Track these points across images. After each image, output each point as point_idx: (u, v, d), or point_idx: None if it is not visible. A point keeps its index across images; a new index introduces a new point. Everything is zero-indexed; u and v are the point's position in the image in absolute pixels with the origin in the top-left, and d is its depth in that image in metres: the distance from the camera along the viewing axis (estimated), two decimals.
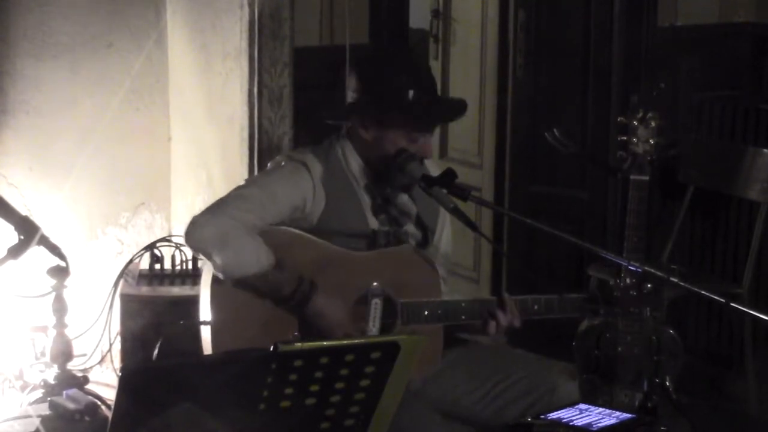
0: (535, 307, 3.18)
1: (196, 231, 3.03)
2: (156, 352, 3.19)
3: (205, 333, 3.07)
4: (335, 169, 3.18)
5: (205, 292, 3.08)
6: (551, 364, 3.25)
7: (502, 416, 3.13)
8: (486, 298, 3.18)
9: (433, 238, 3.29)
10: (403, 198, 3.23)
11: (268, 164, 3.33)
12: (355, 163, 3.19)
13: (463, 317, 3.13)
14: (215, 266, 3.01)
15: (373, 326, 3.07)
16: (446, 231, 3.33)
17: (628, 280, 3.20)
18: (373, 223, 3.19)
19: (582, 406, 2.81)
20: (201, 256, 3.09)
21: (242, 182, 3.24)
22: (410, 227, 3.25)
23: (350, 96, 3.19)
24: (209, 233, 3.01)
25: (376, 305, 3.08)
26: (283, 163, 3.20)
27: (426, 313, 3.11)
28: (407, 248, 3.20)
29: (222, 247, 2.99)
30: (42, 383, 4.04)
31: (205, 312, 3.08)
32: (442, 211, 3.27)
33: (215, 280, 3.05)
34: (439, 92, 3.31)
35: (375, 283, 3.09)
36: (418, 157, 3.15)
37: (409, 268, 3.16)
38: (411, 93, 3.12)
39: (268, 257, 3.02)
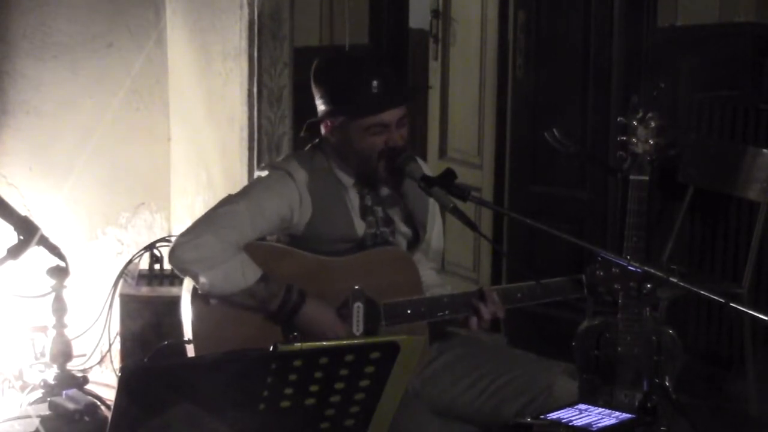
0: (518, 295, 3.18)
1: (179, 253, 2.99)
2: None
3: (191, 351, 3.06)
4: (320, 175, 3.16)
5: (186, 310, 3.07)
6: (550, 363, 3.25)
7: (500, 413, 3.13)
8: (467, 291, 3.17)
9: (425, 234, 3.29)
10: (392, 196, 3.23)
11: (255, 172, 3.31)
12: (337, 166, 3.18)
13: (447, 312, 3.13)
14: (201, 287, 2.99)
15: (357, 330, 3.07)
16: (437, 226, 3.33)
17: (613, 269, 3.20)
18: (361, 225, 3.18)
19: (582, 406, 2.81)
20: (186, 277, 3.06)
21: (232, 192, 3.21)
22: (401, 226, 3.25)
23: (317, 104, 3.19)
24: (194, 256, 2.98)
25: (358, 309, 3.08)
26: (266, 173, 3.17)
27: (409, 311, 3.10)
28: (385, 249, 3.19)
29: (207, 267, 2.97)
30: (42, 383, 4.04)
31: (188, 330, 3.06)
32: (431, 207, 3.27)
33: (195, 297, 3.03)
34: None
35: (356, 287, 3.09)
36: (416, 158, 3.15)
37: (388, 268, 3.15)
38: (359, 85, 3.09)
39: (254, 273, 3.00)
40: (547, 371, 3.19)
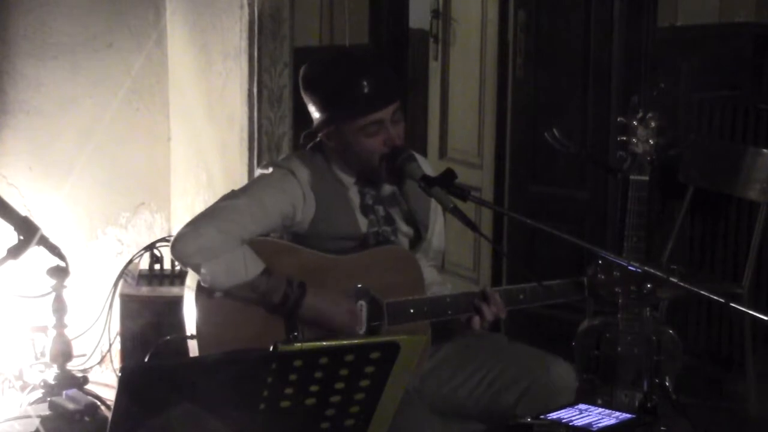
0: (521, 296, 3.18)
1: (181, 245, 2.99)
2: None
3: (193, 347, 3.06)
4: (322, 173, 3.17)
5: (189, 305, 3.07)
6: (545, 353, 3.24)
7: (499, 402, 3.13)
8: (470, 291, 3.17)
9: (426, 234, 3.29)
10: (393, 196, 3.23)
11: (257, 171, 3.32)
12: (337, 166, 3.18)
13: (449, 312, 3.13)
14: (203, 278, 2.99)
15: (360, 329, 3.07)
16: (438, 225, 3.33)
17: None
18: (363, 223, 3.18)
19: (582, 406, 2.81)
20: (188, 269, 3.06)
21: (234, 188, 3.21)
22: (402, 225, 3.25)
23: (310, 110, 3.20)
24: (195, 247, 2.97)
25: (361, 307, 3.08)
26: (270, 170, 3.17)
27: (412, 311, 3.10)
28: (388, 248, 3.19)
29: (209, 259, 2.96)
30: (42, 383, 4.04)
31: (191, 325, 3.06)
32: (433, 207, 3.27)
33: (200, 293, 3.03)
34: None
35: (360, 285, 3.09)
36: (416, 156, 3.15)
37: (391, 267, 3.15)
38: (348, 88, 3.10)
39: (256, 265, 3.00)
40: (543, 356, 3.19)
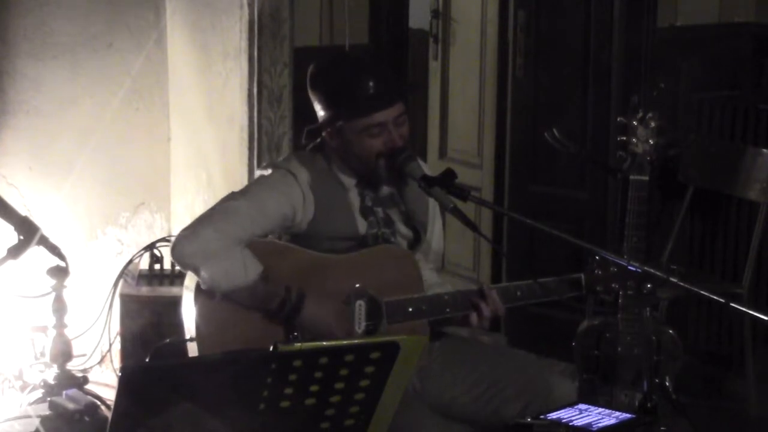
0: (518, 293, 3.18)
1: (181, 246, 2.99)
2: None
3: (193, 348, 3.05)
4: (322, 174, 3.17)
5: (188, 306, 3.07)
6: (550, 364, 3.25)
7: (500, 414, 3.13)
8: (468, 289, 3.17)
9: (425, 235, 3.29)
10: (392, 197, 3.23)
11: (257, 172, 3.31)
12: (338, 168, 3.19)
13: (448, 310, 3.13)
14: (203, 280, 2.99)
15: (359, 328, 3.07)
16: (437, 227, 3.33)
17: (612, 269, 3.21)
18: (363, 224, 3.19)
19: (582, 406, 2.81)
20: (188, 271, 3.06)
21: (234, 190, 3.21)
22: (401, 227, 3.25)
23: (316, 109, 3.20)
24: (194, 249, 2.97)
25: (360, 307, 3.08)
26: (269, 172, 3.18)
27: (410, 309, 3.10)
28: (386, 247, 3.19)
29: (208, 261, 2.96)
30: (42, 383, 4.04)
31: (191, 326, 3.06)
32: (432, 207, 3.28)
33: (199, 294, 3.03)
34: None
35: (357, 285, 3.09)
36: (417, 158, 3.15)
37: (389, 266, 3.15)
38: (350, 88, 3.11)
39: (255, 269, 3.00)
40: (546, 373, 3.19)
